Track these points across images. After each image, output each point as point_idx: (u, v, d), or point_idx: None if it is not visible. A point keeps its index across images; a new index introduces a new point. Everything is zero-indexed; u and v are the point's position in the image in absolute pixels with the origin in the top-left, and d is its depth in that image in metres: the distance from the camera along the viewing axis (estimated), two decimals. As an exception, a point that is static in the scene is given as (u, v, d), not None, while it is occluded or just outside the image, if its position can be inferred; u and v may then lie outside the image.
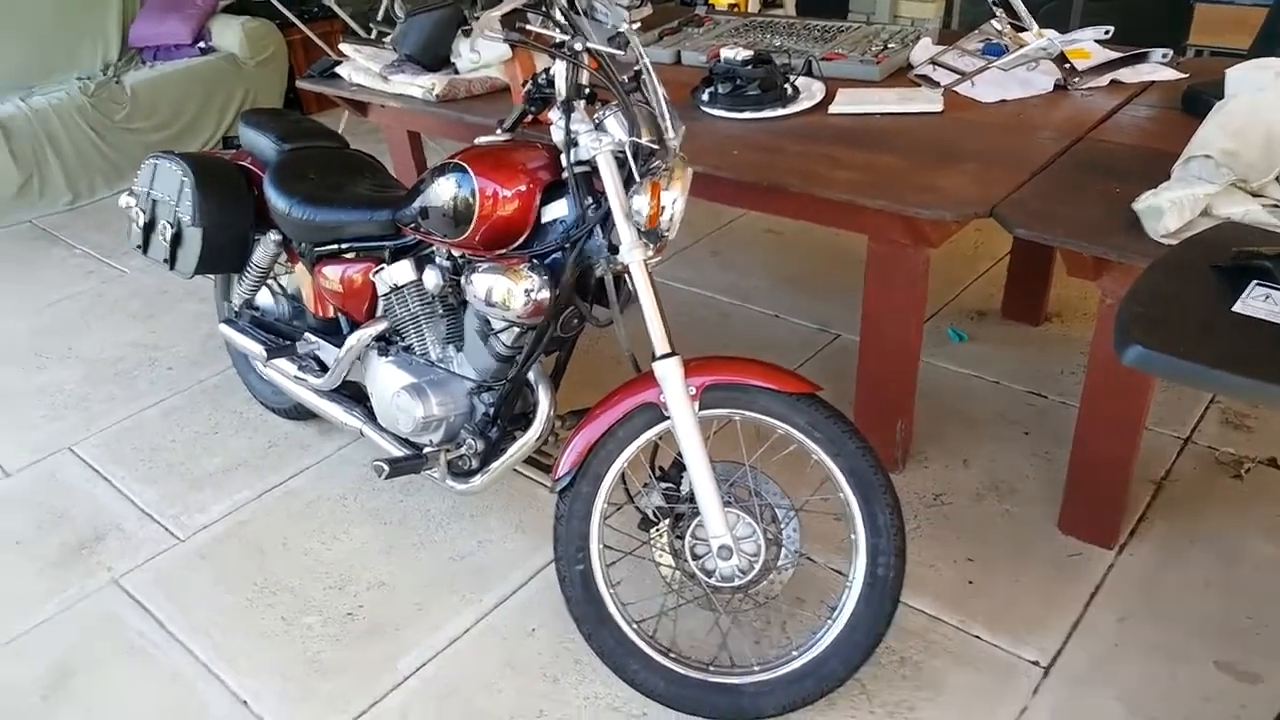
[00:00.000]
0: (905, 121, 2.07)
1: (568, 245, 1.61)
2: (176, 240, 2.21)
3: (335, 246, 2.04)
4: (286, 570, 2.05)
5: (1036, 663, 1.72)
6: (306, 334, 2.21)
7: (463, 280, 1.68)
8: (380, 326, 1.98)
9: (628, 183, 1.53)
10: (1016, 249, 2.69)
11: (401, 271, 1.87)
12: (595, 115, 1.56)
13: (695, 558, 1.59)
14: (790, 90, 2.18)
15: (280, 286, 2.39)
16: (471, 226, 1.63)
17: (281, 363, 2.20)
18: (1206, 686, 1.65)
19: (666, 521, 1.66)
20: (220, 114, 4.55)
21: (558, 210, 1.63)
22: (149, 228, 2.29)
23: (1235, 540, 1.94)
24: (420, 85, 2.49)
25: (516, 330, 1.74)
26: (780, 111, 2.14)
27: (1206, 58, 2.35)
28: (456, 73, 2.54)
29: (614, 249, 1.56)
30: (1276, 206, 1.45)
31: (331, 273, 2.06)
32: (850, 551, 1.58)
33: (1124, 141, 1.88)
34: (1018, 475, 2.17)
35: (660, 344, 1.52)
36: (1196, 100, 1.93)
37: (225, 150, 2.42)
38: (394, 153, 2.92)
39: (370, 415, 2.09)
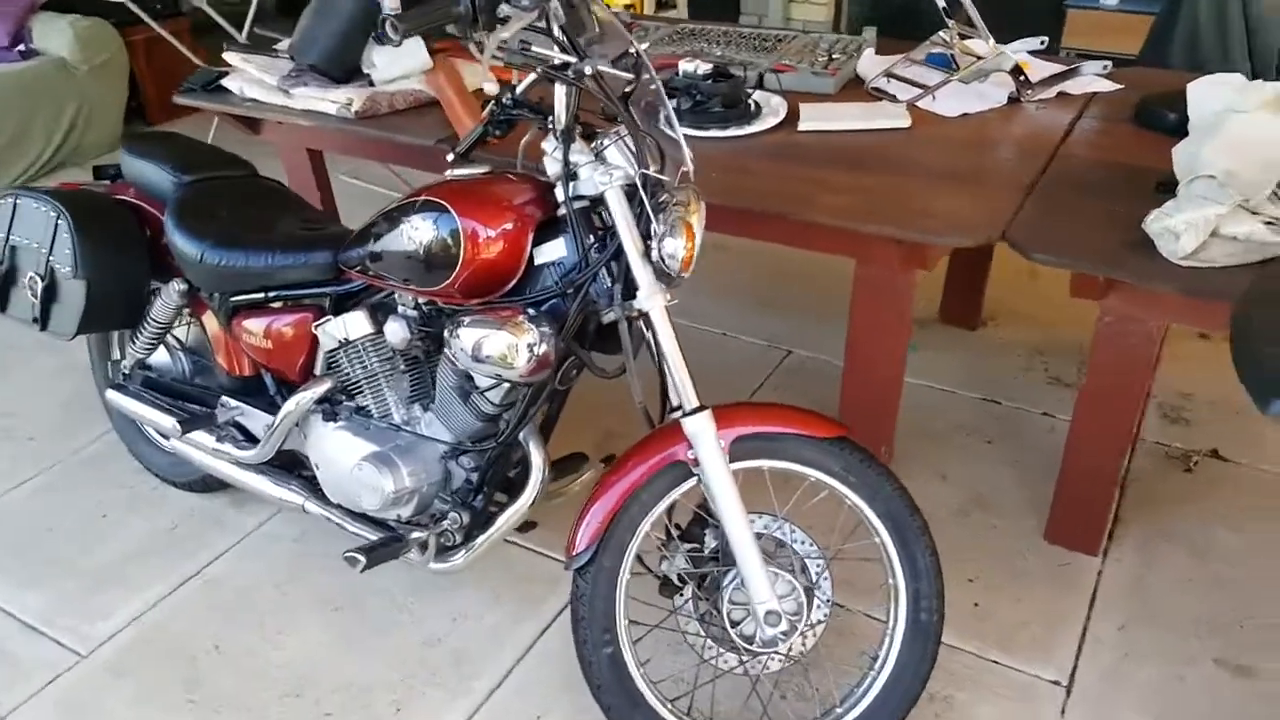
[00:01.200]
0: (874, 138, 2.04)
1: (571, 290, 1.47)
2: (49, 295, 1.89)
3: (258, 295, 1.80)
4: (229, 678, 1.80)
5: (1057, 682, 1.73)
6: (223, 398, 1.94)
7: (446, 334, 1.51)
8: (324, 387, 1.77)
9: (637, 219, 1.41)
10: (955, 254, 2.75)
11: (355, 324, 1.67)
12: (593, 144, 1.44)
13: (733, 623, 1.50)
14: (753, 106, 2.12)
15: (177, 340, 2.11)
16: (455, 273, 1.46)
17: (197, 434, 1.93)
18: (1213, 686, 1.72)
19: (691, 585, 1.55)
20: (49, 130, 4.03)
21: (553, 251, 1.49)
22: (7, 281, 1.96)
23: (1202, 534, 2.05)
24: (332, 100, 2.25)
25: (506, 387, 1.58)
26: (747, 130, 2.07)
27: (1141, 70, 2.45)
28: (370, 84, 2.32)
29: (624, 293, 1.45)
30: (1273, 223, 1.51)
31: (255, 326, 1.82)
32: (887, 597, 1.53)
33: (1094, 157, 1.92)
34: (993, 487, 2.21)
35: (689, 397, 1.42)
36: (1151, 114, 2.00)
37: (98, 182, 2.11)
38: (291, 174, 2.65)
39: (310, 485, 1.87)
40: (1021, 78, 2.24)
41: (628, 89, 1.48)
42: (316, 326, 1.73)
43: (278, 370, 1.86)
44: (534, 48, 1.37)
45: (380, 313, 1.68)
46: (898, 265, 1.81)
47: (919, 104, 2.20)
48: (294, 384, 1.87)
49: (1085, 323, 1.82)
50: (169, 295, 1.90)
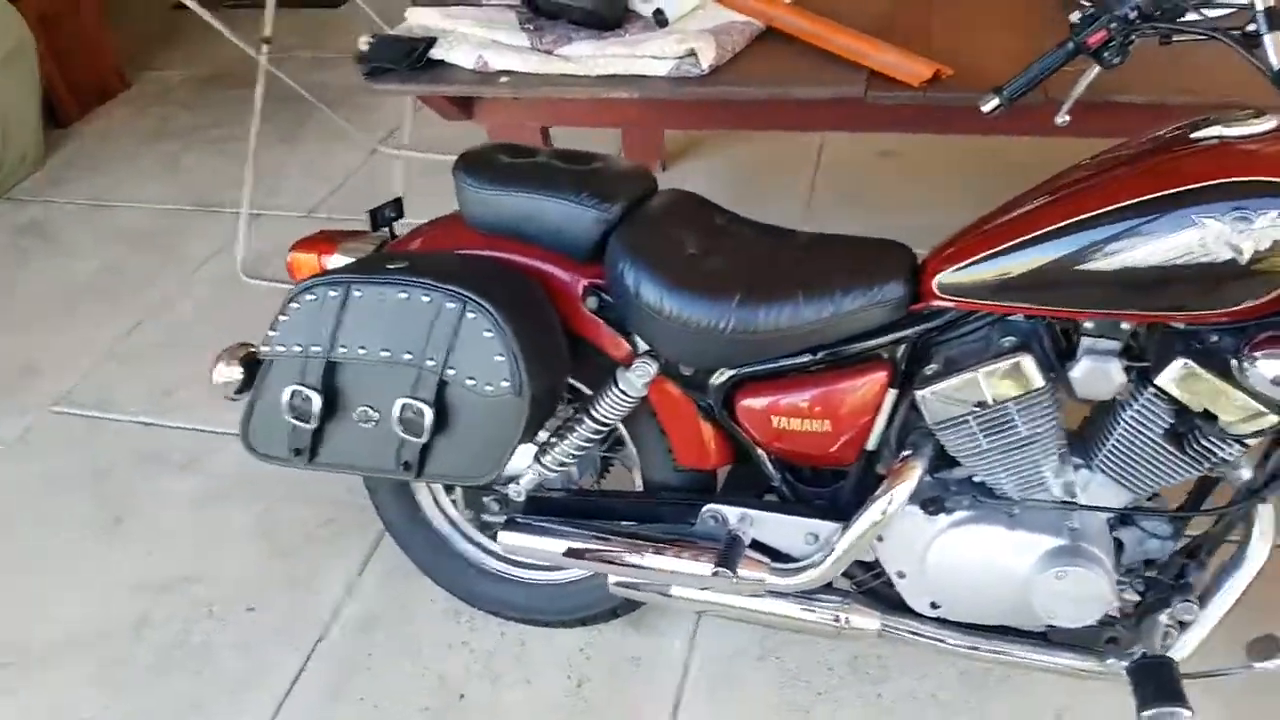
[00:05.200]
0: None
1: None
2: (441, 426, 1.30)
3: (793, 361, 1.32)
4: None
5: None
6: (712, 507, 1.44)
7: (1241, 362, 1.09)
8: (918, 473, 1.31)
9: None
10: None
11: (1014, 378, 1.21)
12: None
13: None
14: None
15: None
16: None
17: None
18: None
19: None
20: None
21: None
22: (327, 416, 1.34)
23: None
24: (657, 56, 1.68)
25: (1272, 422, 1.18)
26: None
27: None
28: (665, 22, 1.75)
29: None
30: None
31: (789, 402, 1.34)
32: None
33: None
34: None
35: None
36: None
37: (375, 234, 1.52)
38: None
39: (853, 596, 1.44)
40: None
41: None
42: (926, 390, 1.25)
43: (803, 455, 1.38)
44: None
45: (1030, 353, 1.23)
46: None
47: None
48: (814, 468, 1.42)
49: None
50: (631, 383, 1.35)
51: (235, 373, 1.40)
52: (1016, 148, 2.73)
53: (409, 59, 1.80)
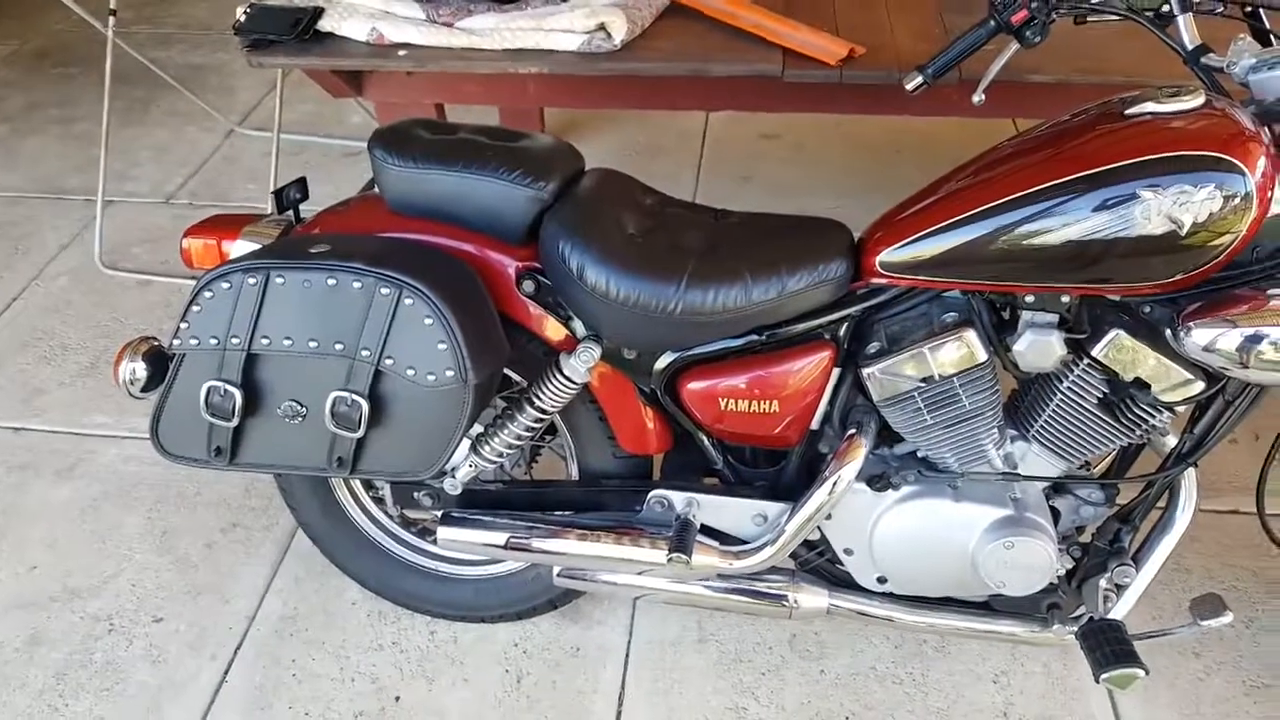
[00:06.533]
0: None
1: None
2: (376, 419, 1.26)
3: (735, 343, 1.33)
4: None
5: None
6: (658, 492, 1.43)
7: (1176, 332, 1.16)
8: (864, 451, 1.33)
9: None
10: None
11: (958, 352, 1.25)
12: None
13: None
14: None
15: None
16: (1217, 255, 1.11)
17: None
18: None
19: None
20: None
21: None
22: (248, 412, 1.28)
23: None
24: (566, 30, 1.64)
25: (1199, 388, 1.26)
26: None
27: None
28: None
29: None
30: None
31: (730, 384, 1.34)
32: None
33: None
34: None
35: None
36: None
37: (278, 217, 1.45)
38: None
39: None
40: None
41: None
42: (874, 367, 1.28)
43: (748, 437, 1.39)
44: None
45: (972, 327, 1.27)
46: None
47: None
48: (754, 449, 1.45)
49: None
50: (575, 369, 1.32)
51: (140, 369, 1.31)
52: (892, 129, 2.83)
53: (294, 30, 1.70)
